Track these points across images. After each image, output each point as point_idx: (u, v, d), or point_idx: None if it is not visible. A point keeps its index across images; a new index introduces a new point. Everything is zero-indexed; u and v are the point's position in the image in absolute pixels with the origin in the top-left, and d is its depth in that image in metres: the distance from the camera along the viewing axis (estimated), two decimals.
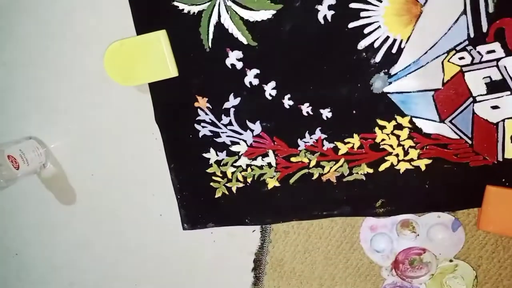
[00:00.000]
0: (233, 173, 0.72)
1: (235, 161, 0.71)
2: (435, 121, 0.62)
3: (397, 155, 0.66)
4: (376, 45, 0.60)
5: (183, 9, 0.63)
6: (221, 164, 0.72)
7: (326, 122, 0.66)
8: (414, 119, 0.63)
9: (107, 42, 0.67)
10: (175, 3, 0.63)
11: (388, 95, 0.63)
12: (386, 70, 0.61)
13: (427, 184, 0.66)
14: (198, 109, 0.69)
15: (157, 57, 0.66)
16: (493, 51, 0.57)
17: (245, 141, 0.70)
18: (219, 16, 0.63)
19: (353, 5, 0.59)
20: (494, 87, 0.59)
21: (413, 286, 0.71)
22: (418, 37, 0.59)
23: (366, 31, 0.60)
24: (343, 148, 0.67)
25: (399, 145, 0.65)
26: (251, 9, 0.61)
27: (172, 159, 0.73)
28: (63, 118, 0.77)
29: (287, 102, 0.66)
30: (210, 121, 0.69)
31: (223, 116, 0.69)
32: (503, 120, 0.60)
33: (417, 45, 0.59)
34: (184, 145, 0.72)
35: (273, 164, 0.70)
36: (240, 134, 0.69)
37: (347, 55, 0.61)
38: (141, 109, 0.72)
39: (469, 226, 0.67)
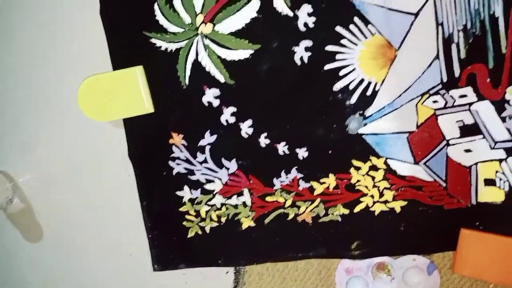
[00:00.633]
0: (207, 212, 0.70)
1: (210, 199, 0.70)
2: (409, 163, 0.63)
3: (372, 197, 0.65)
4: (351, 87, 0.61)
5: (160, 46, 0.63)
6: (195, 202, 0.70)
7: (302, 162, 0.65)
8: (389, 161, 0.63)
9: (82, 76, 0.66)
10: (153, 40, 0.63)
11: (363, 136, 0.63)
12: (361, 112, 0.62)
13: (402, 226, 0.66)
14: (173, 146, 0.68)
15: (133, 92, 0.65)
16: (465, 95, 0.59)
17: (220, 179, 0.68)
18: (197, 54, 0.63)
19: (329, 48, 0.59)
20: (467, 131, 0.60)
21: None
22: (392, 80, 0.60)
23: (341, 73, 0.60)
24: (318, 188, 0.66)
25: (374, 186, 0.65)
26: (229, 48, 0.62)
27: (144, 196, 0.71)
28: (33, 151, 0.75)
29: (263, 140, 0.65)
30: (185, 159, 0.68)
31: (198, 154, 0.68)
32: (476, 164, 0.61)
33: (391, 88, 0.60)
34: (157, 183, 0.70)
35: (248, 203, 0.69)
36: (215, 172, 0.68)
37: (323, 96, 0.62)
38: (114, 144, 0.71)
39: (444, 270, 0.67)
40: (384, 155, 0.63)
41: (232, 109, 0.65)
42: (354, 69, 0.60)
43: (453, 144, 0.61)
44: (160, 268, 0.74)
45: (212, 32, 0.61)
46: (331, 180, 0.66)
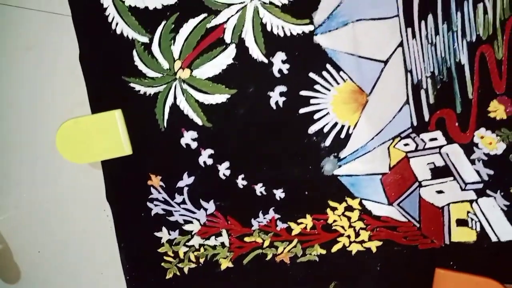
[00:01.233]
0: (185, 253, 0.70)
1: (188, 240, 0.70)
2: (383, 203, 0.64)
3: (348, 237, 0.66)
4: (325, 130, 0.62)
5: (139, 90, 0.64)
6: (173, 243, 0.70)
7: (279, 202, 0.66)
8: (364, 201, 0.64)
9: (61, 119, 0.67)
10: (132, 85, 0.64)
11: (338, 177, 0.64)
12: (335, 154, 0.63)
13: (379, 266, 0.66)
14: (151, 188, 0.68)
15: (111, 135, 0.66)
16: (436, 139, 0.60)
17: (198, 220, 0.69)
18: (175, 98, 0.64)
19: (303, 93, 0.61)
20: (438, 172, 0.61)
21: None
22: (365, 124, 0.61)
23: (316, 116, 0.62)
24: (296, 229, 0.67)
25: (350, 226, 0.66)
26: (206, 93, 0.63)
27: (122, 238, 0.71)
28: (10, 191, 0.75)
29: (240, 182, 0.66)
30: (163, 200, 0.68)
31: (176, 195, 0.68)
32: (448, 205, 0.62)
33: (364, 131, 0.62)
34: (135, 224, 0.70)
35: (227, 243, 0.69)
36: (194, 212, 0.68)
37: (298, 138, 0.63)
38: (92, 185, 0.71)
39: None
40: (359, 196, 0.64)
41: (210, 151, 0.66)
42: (328, 113, 0.62)
43: (425, 186, 0.62)
44: None
45: (190, 77, 0.63)
46: (308, 221, 0.67)
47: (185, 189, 0.68)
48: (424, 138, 0.61)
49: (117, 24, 0.61)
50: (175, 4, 0.60)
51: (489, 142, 0.59)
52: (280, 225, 0.67)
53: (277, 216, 0.67)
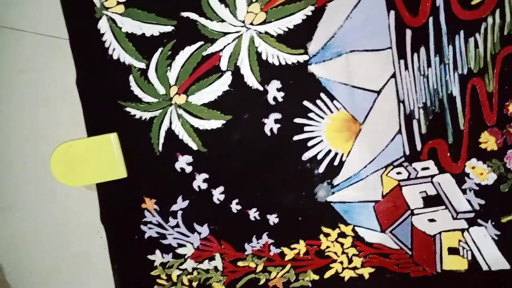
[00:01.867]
0: (178, 276, 0.70)
1: (181, 263, 0.70)
2: (376, 230, 0.64)
3: (341, 263, 0.66)
4: (319, 157, 0.63)
5: (135, 115, 0.65)
6: (167, 266, 0.70)
7: (273, 228, 0.67)
8: (356, 228, 0.65)
9: (57, 142, 0.67)
10: (128, 109, 0.65)
11: (332, 204, 0.65)
12: (329, 181, 0.64)
13: None
14: (145, 211, 0.68)
15: (106, 158, 0.66)
16: (428, 168, 0.61)
17: (192, 243, 0.69)
18: (170, 123, 0.65)
19: (297, 120, 0.62)
20: (430, 201, 0.62)
21: None
22: (358, 152, 0.62)
23: (309, 144, 0.63)
24: (289, 254, 0.67)
25: (343, 252, 0.66)
26: (201, 118, 0.64)
27: (116, 259, 0.71)
28: (5, 213, 0.75)
29: (234, 206, 0.67)
30: (157, 223, 0.69)
31: (170, 218, 0.68)
32: (440, 233, 0.63)
33: (357, 159, 0.62)
34: (129, 246, 0.70)
35: (220, 268, 0.69)
36: (187, 236, 0.69)
37: (292, 165, 0.64)
38: (87, 207, 0.71)
39: None
40: (352, 222, 0.65)
41: (204, 175, 0.66)
42: (321, 141, 0.62)
43: (417, 214, 0.63)
44: None
45: (186, 102, 0.63)
46: (301, 246, 0.67)
47: (179, 212, 0.68)
48: (417, 167, 0.61)
49: (114, 49, 0.62)
50: (172, 31, 0.60)
51: (480, 173, 0.60)
52: (274, 250, 0.68)
53: (270, 241, 0.67)
